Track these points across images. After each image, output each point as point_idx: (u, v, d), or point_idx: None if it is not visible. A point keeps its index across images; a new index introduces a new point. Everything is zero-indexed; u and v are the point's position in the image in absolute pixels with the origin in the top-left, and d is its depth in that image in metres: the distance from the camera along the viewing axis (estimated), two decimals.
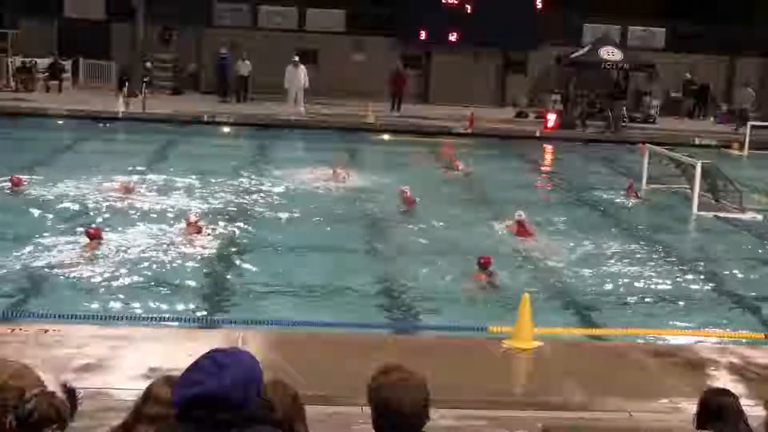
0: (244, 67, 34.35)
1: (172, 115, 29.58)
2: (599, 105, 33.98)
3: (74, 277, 12.34)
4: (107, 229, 14.59)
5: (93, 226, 14.49)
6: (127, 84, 30.85)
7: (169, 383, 3.49)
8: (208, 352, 2.98)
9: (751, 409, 5.10)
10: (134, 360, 8.40)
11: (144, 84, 31.16)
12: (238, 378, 2.87)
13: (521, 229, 15.61)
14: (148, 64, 34.18)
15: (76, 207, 16.62)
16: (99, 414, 6.68)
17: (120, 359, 8.43)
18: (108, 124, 28.20)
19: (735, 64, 39.50)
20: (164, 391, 3.52)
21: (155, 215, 16.11)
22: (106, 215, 16.06)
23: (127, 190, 17.92)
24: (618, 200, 20.03)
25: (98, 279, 12.28)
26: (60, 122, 28.24)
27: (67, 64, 34.87)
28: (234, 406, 2.85)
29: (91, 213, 16.18)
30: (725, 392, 5.14)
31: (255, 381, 2.95)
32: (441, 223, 16.59)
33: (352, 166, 21.95)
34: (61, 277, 12.37)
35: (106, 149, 24.47)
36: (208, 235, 14.88)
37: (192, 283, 12.40)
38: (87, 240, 13.70)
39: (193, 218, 15.11)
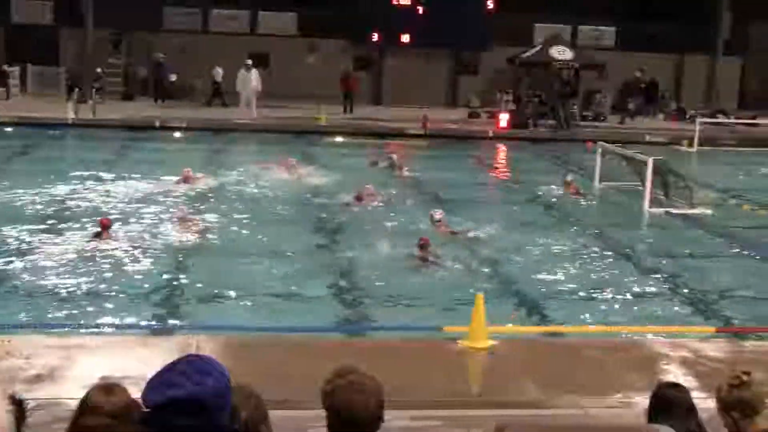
0: (217, 73, 34.19)
1: (123, 121, 29.30)
2: (550, 104, 34.25)
3: (21, 287, 12.18)
4: (52, 237, 14.49)
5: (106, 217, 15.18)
6: (76, 90, 30.49)
7: (106, 391, 3.40)
8: (185, 358, 2.92)
9: (703, 401, 5.16)
10: (86, 369, 8.29)
11: (94, 90, 30.84)
12: (219, 386, 2.83)
13: (443, 229, 15.79)
14: (98, 70, 33.84)
15: (17, 215, 16.42)
16: (51, 425, 6.59)
17: (72, 369, 8.32)
18: (58, 131, 27.87)
19: (683, 63, 40.16)
20: (103, 399, 3.42)
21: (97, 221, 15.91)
22: (50, 222, 15.90)
23: (188, 179, 19.55)
24: (568, 198, 20.17)
25: (47, 287, 12.14)
26: (8, 130, 27.80)
27: (15, 71, 34.39)
28: (208, 414, 2.80)
29: (33, 220, 15.96)
30: (676, 386, 5.19)
31: (229, 391, 2.92)
32: (391, 224, 16.60)
33: (302, 167, 22.02)
34: (8, 286, 12.20)
35: (56, 156, 24.16)
36: (162, 237, 14.84)
37: (143, 290, 12.27)
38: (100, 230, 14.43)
39: (182, 213, 15.37)
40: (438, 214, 16.08)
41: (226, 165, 22.76)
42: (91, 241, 14.32)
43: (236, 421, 3.93)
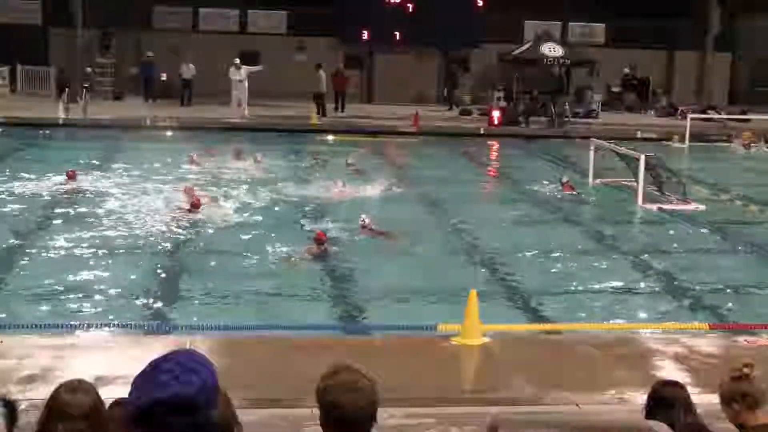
0: (188, 71, 34.13)
1: (114, 120, 29.24)
2: (542, 101, 34.29)
3: (11, 287, 12.14)
4: (43, 237, 14.47)
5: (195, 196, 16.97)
6: (66, 90, 30.38)
7: (74, 392, 3.31)
8: (171, 354, 2.86)
9: (696, 396, 5.17)
10: (80, 369, 8.23)
11: (84, 89, 30.75)
12: (207, 383, 2.78)
13: (370, 231, 15.50)
14: (88, 69, 33.74)
15: (8, 216, 16.37)
16: None
17: (65, 369, 8.27)
18: (49, 131, 27.76)
19: (674, 59, 40.25)
20: (73, 400, 3.30)
21: (92, 222, 15.90)
22: (40, 222, 15.87)
23: (239, 155, 22.38)
24: (562, 195, 20.17)
25: (40, 286, 12.07)
26: None
27: (4, 71, 34.26)
28: (198, 411, 2.76)
29: (24, 220, 15.91)
30: (674, 384, 5.21)
31: (218, 387, 2.87)
32: (381, 221, 16.52)
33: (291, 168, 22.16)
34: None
35: (48, 156, 24.04)
36: (158, 235, 14.92)
37: (137, 289, 12.22)
38: (189, 206, 16.33)
39: (190, 187, 15.75)
40: (361, 220, 15.74)
41: (215, 165, 22.57)
42: (76, 240, 14.34)
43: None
